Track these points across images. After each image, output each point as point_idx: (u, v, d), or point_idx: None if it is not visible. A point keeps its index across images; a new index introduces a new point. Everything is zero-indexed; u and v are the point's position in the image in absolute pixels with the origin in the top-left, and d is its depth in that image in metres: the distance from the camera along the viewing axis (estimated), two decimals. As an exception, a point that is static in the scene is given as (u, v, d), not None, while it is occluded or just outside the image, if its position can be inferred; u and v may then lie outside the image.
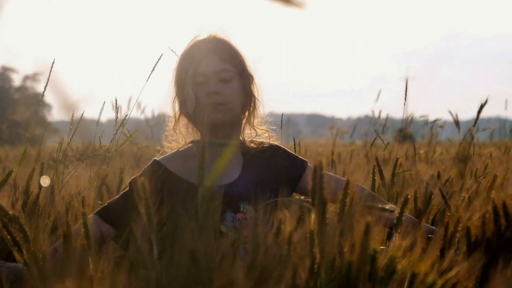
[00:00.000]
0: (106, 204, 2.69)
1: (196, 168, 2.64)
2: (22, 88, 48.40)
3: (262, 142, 2.84)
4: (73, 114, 3.27)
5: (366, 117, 7.73)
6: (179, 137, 2.86)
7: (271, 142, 2.86)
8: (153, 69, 2.51)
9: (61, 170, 3.38)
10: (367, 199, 1.78)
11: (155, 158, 2.81)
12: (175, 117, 2.84)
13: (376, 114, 7.44)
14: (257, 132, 2.86)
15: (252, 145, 2.82)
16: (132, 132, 3.43)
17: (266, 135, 2.88)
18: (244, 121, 2.83)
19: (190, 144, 2.83)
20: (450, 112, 5.01)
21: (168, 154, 2.84)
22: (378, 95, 6.82)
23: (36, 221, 2.08)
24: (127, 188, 2.72)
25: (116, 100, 3.68)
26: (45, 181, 2.83)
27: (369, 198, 2.63)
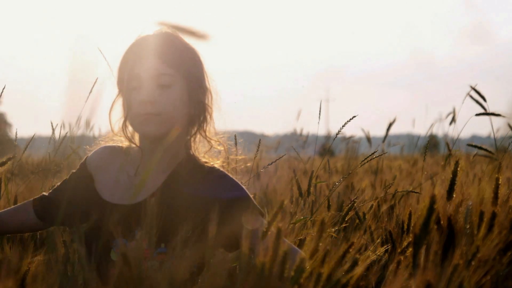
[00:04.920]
0: (41, 197, 2.27)
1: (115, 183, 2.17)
2: (-16, 109, 47.93)
3: (205, 163, 2.19)
4: (16, 132, 3.21)
5: (292, 134, 7.78)
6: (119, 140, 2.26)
7: (215, 165, 2.20)
8: (91, 91, 2.28)
9: (17, 182, 3.36)
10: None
11: (88, 156, 2.27)
12: (124, 122, 2.18)
13: (298, 131, 7.52)
14: (211, 145, 2.23)
15: (192, 162, 2.18)
16: (75, 148, 3.38)
17: (221, 148, 2.25)
18: (193, 132, 2.20)
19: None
20: (362, 130, 5.06)
21: (103, 147, 2.28)
22: (299, 114, 6.89)
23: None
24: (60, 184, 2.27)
25: (63, 121, 3.65)
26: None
27: None
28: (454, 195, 1.75)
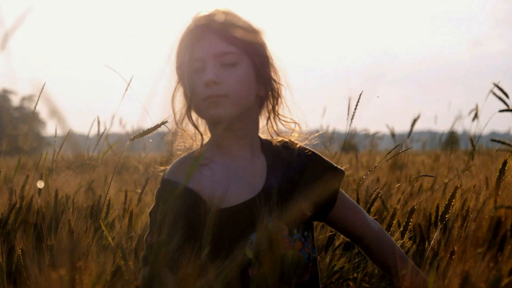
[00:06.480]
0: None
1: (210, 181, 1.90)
2: (20, 108, 48.89)
3: (290, 141, 2.02)
4: (56, 128, 3.22)
5: (317, 131, 7.77)
6: (187, 136, 1.99)
7: (300, 144, 2.03)
8: (126, 90, 2.19)
9: (54, 177, 3.39)
10: None
11: (164, 176, 1.91)
12: (188, 110, 1.94)
13: (324, 129, 7.53)
14: (290, 127, 2.02)
15: (277, 143, 2.01)
16: (112, 144, 3.40)
17: (296, 128, 2.03)
18: (264, 113, 2.00)
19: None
20: (387, 126, 5.04)
21: (176, 162, 1.95)
22: (324, 112, 6.90)
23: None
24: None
25: (98, 118, 3.70)
26: (40, 184, 2.77)
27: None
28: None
